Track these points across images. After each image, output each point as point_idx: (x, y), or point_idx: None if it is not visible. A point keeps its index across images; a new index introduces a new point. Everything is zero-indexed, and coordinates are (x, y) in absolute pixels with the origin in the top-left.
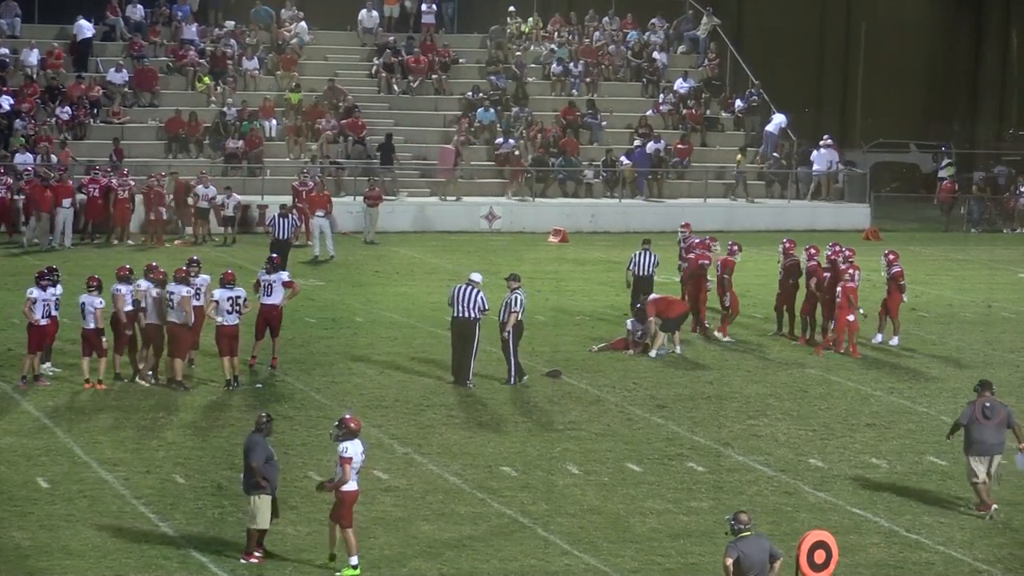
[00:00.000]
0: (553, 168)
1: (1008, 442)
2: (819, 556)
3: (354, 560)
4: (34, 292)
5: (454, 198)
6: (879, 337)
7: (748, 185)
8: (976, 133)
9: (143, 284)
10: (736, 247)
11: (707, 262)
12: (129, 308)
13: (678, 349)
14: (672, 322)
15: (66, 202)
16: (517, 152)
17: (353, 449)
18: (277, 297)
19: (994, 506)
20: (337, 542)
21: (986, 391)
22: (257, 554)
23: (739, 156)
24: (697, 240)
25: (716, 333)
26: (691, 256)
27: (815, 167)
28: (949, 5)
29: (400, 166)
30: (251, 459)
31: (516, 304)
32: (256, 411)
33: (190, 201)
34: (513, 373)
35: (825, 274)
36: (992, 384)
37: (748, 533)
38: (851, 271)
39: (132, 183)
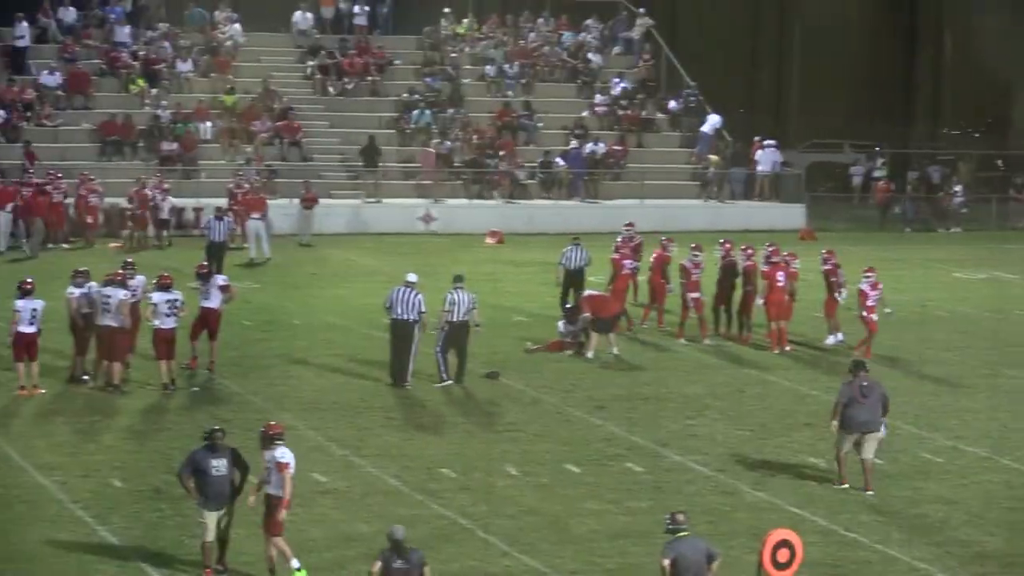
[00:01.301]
0: (489, 170)
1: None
2: (783, 555)
3: (295, 563)
4: None
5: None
6: (833, 338)
7: (685, 186)
8: (910, 133)
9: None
10: (669, 242)
11: (651, 262)
12: (87, 310)
13: (614, 350)
14: (605, 322)
15: (9, 206)
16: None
17: (291, 454)
18: (215, 300)
19: (870, 491)
20: (276, 557)
21: (861, 371)
22: (217, 567)
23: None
24: (621, 239)
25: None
26: (615, 256)
27: (759, 167)
28: (883, 6)
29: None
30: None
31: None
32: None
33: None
34: (443, 371)
35: (780, 274)
36: (866, 364)
37: (685, 533)
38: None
39: (65, 186)
